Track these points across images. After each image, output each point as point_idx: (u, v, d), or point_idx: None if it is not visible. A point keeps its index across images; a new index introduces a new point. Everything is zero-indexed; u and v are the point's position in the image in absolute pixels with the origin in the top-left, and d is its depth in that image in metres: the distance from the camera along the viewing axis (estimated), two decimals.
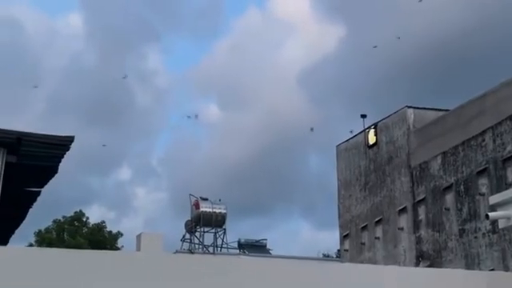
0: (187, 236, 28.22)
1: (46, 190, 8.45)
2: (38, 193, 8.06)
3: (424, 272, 8.15)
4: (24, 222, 10.10)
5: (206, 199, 28.68)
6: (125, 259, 5.49)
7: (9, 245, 10.54)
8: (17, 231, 10.59)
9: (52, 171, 7.29)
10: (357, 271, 6.32)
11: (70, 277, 5.00)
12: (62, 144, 6.82)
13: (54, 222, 42.97)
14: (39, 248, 8.62)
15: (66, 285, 4.97)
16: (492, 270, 14.23)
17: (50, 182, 7.81)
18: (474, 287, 6.10)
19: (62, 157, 6.97)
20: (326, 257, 34.58)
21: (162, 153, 66.77)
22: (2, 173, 6.68)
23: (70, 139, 6.86)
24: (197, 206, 28.40)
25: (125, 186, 61.02)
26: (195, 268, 5.50)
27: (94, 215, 65.60)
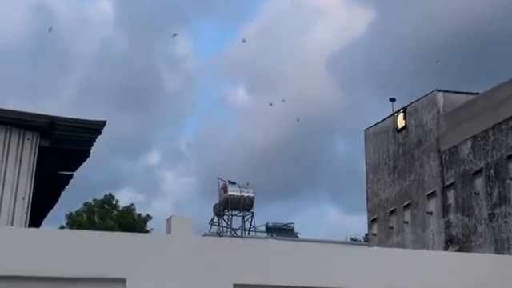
0: (215, 219, 28.47)
1: (78, 174, 8.61)
2: (71, 176, 8.21)
3: (453, 256, 8.15)
4: (56, 204, 10.30)
5: (233, 183, 28.85)
6: (156, 242, 5.58)
7: (41, 227, 10.79)
8: (49, 214, 10.81)
9: (84, 155, 7.42)
10: (385, 255, 6.35)
11: (102, 258, 5.11)
12: (94, 128, 6.94)
13: (85, 204, 43.71)
14: (72, 230, 8.82)
15: (98, 266, 5.09)
16: None
17: (82, 165, 7.95)
18: (504, 271, 6.09)
19: (94, 141, 7.09)
20: (354, 241, 34.61)
21: (191, 137, 67.24)
22: (36, 157, 6.84)
23: (102, 123, 6.97)
24: (225, 189, 28.59)
25: (154, 170, 61.64)
26: (225, 251, 5.58)
27: (123, 199, 66.36)
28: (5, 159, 6.81)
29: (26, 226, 6.68)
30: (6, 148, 6.81)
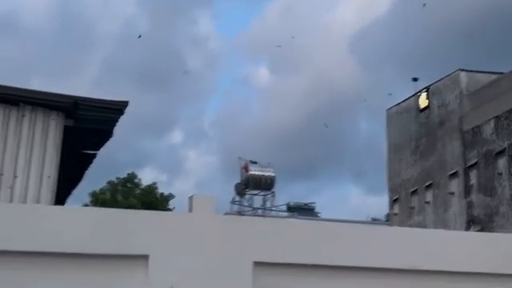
0: (237, 198, 28.66)
1: (102, 153, 8.74)
2: (94, 155, 8.34)
3: (475, 236, 8.14)
4: (80, 183, 10.47)
5: (255, 162, 28.97)
6: (178, 220, 5.67)
7: (66, 205, 10.97)
8: (73, 192, 11.00)
9: (107, 134, 7.53)
10: (406, 234, 6.38)
11: (125, 236, 5.19)
12: (117, 108, 7.05)
13: (108, 183, 44.09)
14: (96, 208, 8.97)
15: (121, 243, 5.17)
16: None
17: (106, 145, 8.07)
18: None
19: (117, 121, 7.20)
20: (375, 221, 34.62)
21: (213, 116, 67.49)
22: (61, 136, 6.97)
23: (125, 104, 7.08)
24: (246, 169, 28.72)
25: (176, 150, 62.08)
26: (246, 229, 5.64)
27: (146, 177, 66.95)
28: (31, 139, 6.94)
29: (52, 204, 6.82)
30: (32, 128, 6.95)
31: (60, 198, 9.40)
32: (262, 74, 69.73)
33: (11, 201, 6.78)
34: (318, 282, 5.81)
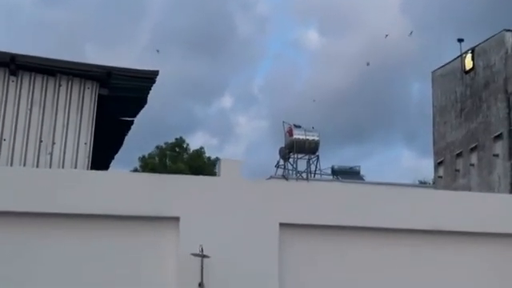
0: (281, 162, 28.95)
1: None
2: (132, 122, 8.70)
3: (499, 197, 8.23)
4: (130, 148, 10.91)
5: (299, 126, 29.10)
6: (207, 183, 5.93)
7: (110, 169, 11.43)
8: (123, 157, 11.46)
9: (141, 102, 7.85)
10: (431, 196, 6.51)
11: (158, 199, 5.49)
12: (148, 77, 7.33)
13: (157, 147, 44.85)
14: (128, 172, 9.40)
15: (155, 206, 5.48)
16: None
17: (142, 111, 8.40)
18: None
19: (150, 89, 7.49)
20: (423, 184, 34.44)
21: (263, 81, 67.63)
22: (96, 104, 7.31)
23: (155, 73, 7.35)
24: (290, 133, 28.89)
25: (227, 114, 62.61)
26: (272, 192, 5.88)
27: (197, 142, 67.90)
28: (67, 107, 7.32)
29: (88, 169, 7.20)
30: (69, 97, 7.32)
31: (102, 163, 9.82)
32: (312, 37, 69.33)
33: (50, 166, 7.21)
34: (342, 243, 6.05)
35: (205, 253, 5.18)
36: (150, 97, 7.68)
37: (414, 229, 5.92)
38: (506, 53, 18.72)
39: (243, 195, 5.62)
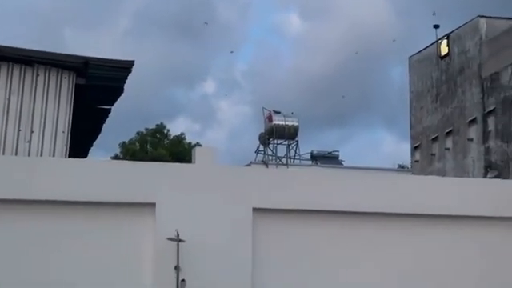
0: (261, 148, 29.16)
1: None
2: (109, 110, 8.86)
3: (467, 182, 8.52)
4: (111, 134, 11.08)
5: (278, 112, 29.30)
6: (182, 170, 6.10)
7: (90, 156, 11.57)
8: (104, 143, 11.62)
9: (118, 91, 8.01)
10: (415, 182, 6.73)
11: (134, 185, 5.66)
12: (125, 67, 7.49)
13: (137, 133, 44.74)
14: (106, 160, 9.49)
15: (131, 192, 5.63)
16: None
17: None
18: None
19: (126, 78, 7.65)
20: (401, 167, 34.84)
21: (245, 67, 67.52)
22: (73, 93, 7.46)
23: (131, 63, 7.52)
24: (270, 119, 29.10)
25: (209, 99, 62.51)
26: (245, 178, 6.07)
27: (179, 127, 67.72)
28: (45, 96, 7.47)
29: (66, 157, 7.34)
30: (46, 86, 7.46)
31: (81, 150, 9.96)
32: (294, 23, 69.32)
33: (29, 154, 7.36)
34: (315, 227, 6.27)
35: (180, 237, 5.36)
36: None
37: (384, 212, 6.16)
38: (481, 39, 19.02)
39: (217, 181, 5.81)
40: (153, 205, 5.59)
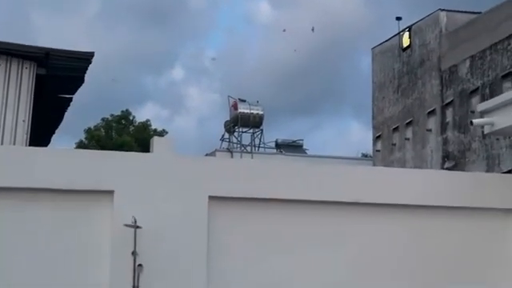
0: (226, 136, 29.36)
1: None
2: (70, 99, 8.99)
3: (411, 172, 8.88)
4: (78, 120, 11.17)
5: (244, 101, 29.47)
6: (140, 159, 6.31)
7: (54, 143, 11.66)
8: (69, 128, 11.71)
9: (79, 81, 8.14)
10: (345, 171, 7.04)
11: (93, 174, 5.83)
12: (84, 58, 7.63)
13: (103, 120, 44.49)
14: (66, 149, 9.59)
15: (90, 180, 5.81)
16: (510, 170, 14.79)
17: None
18: (453, 186, 6.79)
19: (86, 69, 7.79)
20: (365, 156, 35.36)
21: (215, 54, 67.36)
22: (34, 83, 7.58)
23: (91, 54, 7.67)
24: (235, 107, 29.26)
25: (178, 86, 62.33)
26: (201, 167, 6.29)
27: (147, 114, 67.34)
28: (6, 86, 7.57)
29: (26, 145, 7.47)
30: (7, 76, 7.56)
31: (43, 138, 10.06)
32: (264, 10, 69.33)
33: None
34: (268, 214, 6.53)
35: (138, 224, 5.56)
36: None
37: (336, 201, 6.43)
38: (440, 32, 19.47)
39: (174, 170, 6.01)
40: (111, 192, 5.76)
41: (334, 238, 6.39)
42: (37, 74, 7.62)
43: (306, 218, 6.38)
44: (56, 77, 7.84)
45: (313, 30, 32.97)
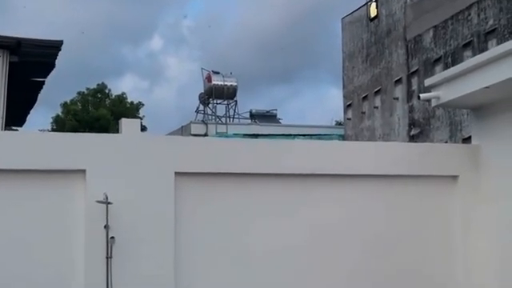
0: (201, 108, 29.73)
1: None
2: (43, 82, 9.38)
3: (369, 145, 9.40)
4: (56, 94, 11.48)
5: (217, 73, 29.81)
6: (110, 140, 6.76)
7: (29, 118, 11.95)
8: (46, 103, 12.04)
9: (50, 66, 8.53)
10: (303, 145, 7.57)
11: (65, 154, 6.27)
12: (54, 46, 8.02)
13: (79, 93, 44.53)
14: (38, 132, 9.93)
15: (63, 160, 6.25)
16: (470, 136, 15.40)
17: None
18: (411, 157, 7.36)
19: (57, 55, 8.18)
20: (339, 124, 35.98)
21: (193, 23, 67.08)
22: (7, 69, 7.95)
23: (60, 42, 8.06)
24: (209, 79, 29.59)
25: (157, 57, 62.14)
26: (167, 145, 6.77)
27: (127, 85, 67.28)
28: None
29: (1, 129, 7.86)
30: None
31: (19, 118, 10.44)
32: None
33: None
34: (233, 188, 7.09)
35: (109, 200, 6.06)
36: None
37: (294, 173, 6.96)
38: (405, 2, 19.90)
39: (142, 149, 6.48)
40: (83, 171, 6.22)
41: (292, 206, 6.93)
42: (10, 62, 8.00)
43: (266, 190, 6.90)
44: (28, 63, 8.23)
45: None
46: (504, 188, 7.08)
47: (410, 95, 19.40)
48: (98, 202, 6.00)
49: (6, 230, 5.90)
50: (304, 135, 25.12)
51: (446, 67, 17.50)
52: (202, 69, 30.40)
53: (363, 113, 22.54)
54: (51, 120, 42.86)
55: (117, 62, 59.26)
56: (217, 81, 29.57)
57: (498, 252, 7.07)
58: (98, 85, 44.49)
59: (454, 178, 7.50)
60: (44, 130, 37.02)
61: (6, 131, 6.90)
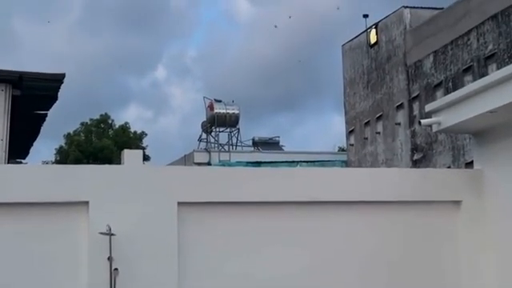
0: (203, 136, 29.80)
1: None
2: (46, 114, 9.47)
3: (364, 171, 9.40)
4: (60, 124, 11.51)
5: (219, 101, 29.92)
6: (112, 171, 6.78)
7: (33, 149, 11.98)
8: (50, 135, 12.07)
9: (52, 99, 8.62)
10: (303, 173, 7.57)
11: (68, 186, 6.28)
12: (56, 79, 8.11)
13: (82, 124, 44.62)
14: (42, 165, 9.96)
15: (66, 192, 6.26)
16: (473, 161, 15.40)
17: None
18: (403, 183, 7.35)
19: (59, 88, 8.27)
20: (342, 150, 35.97)
21: (197, 53, 67.63)
22: (10, 103, 8.03)
23: (62, 76, 8.13)
24: (211, 107, 29.69)
25: (161, 87, 62.48)
26: (169, 175, 6.77)
27: (131, 115, 67.52)
28: None
29: (5, 163, 7.90)
30: None
31: (22, 150, 10.49)
32: (244, 7, 69.65)
33: None
34: (236, 217, 7.06)
35: (112, 231, 6.04)
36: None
37: (295, 201, 6.95)
38: (405, 28, 20.08)
39: (144, 180, 6.48)
40: (86, 203, 6.22)
41: (294, 234, 6.90)
42: (12, 95, 8.08)
43: (268, 218, 6.88)
44: (30, 96, 8.31)
45: (276, 26, 33.60)
46: (507, 213, 7.06)
47: (411, 120, 19.48)
48: (101, 233, 5.98)
49: (7, 264, 5.88)
50: (307, 162, 25.14)
51: (447, 92, 17.57)
52: (204, 97, 30.56)
53: (365, 138, 22.62)
54: (55, 151, 42.96)
55: (121, 92, 59.71)
56: (219, 109, 29.66)
57: (502, 277, 7.03)
58: (100, 115, 44.61)
59: (457, 203, 7.46)
60: (48, 162, 37.16)
61: (8, 164, 6.92)
